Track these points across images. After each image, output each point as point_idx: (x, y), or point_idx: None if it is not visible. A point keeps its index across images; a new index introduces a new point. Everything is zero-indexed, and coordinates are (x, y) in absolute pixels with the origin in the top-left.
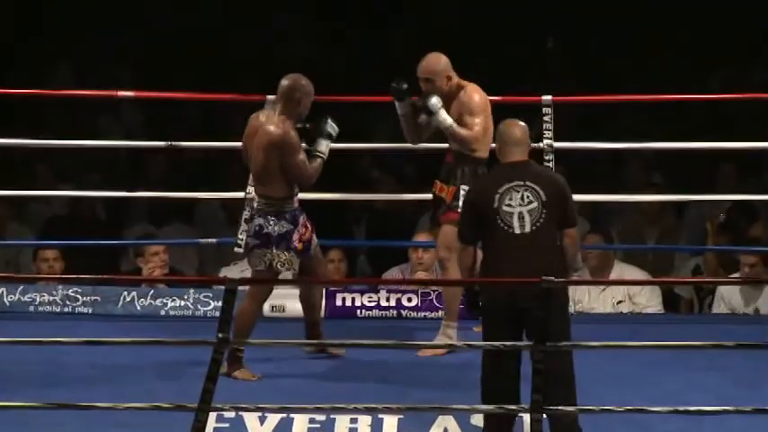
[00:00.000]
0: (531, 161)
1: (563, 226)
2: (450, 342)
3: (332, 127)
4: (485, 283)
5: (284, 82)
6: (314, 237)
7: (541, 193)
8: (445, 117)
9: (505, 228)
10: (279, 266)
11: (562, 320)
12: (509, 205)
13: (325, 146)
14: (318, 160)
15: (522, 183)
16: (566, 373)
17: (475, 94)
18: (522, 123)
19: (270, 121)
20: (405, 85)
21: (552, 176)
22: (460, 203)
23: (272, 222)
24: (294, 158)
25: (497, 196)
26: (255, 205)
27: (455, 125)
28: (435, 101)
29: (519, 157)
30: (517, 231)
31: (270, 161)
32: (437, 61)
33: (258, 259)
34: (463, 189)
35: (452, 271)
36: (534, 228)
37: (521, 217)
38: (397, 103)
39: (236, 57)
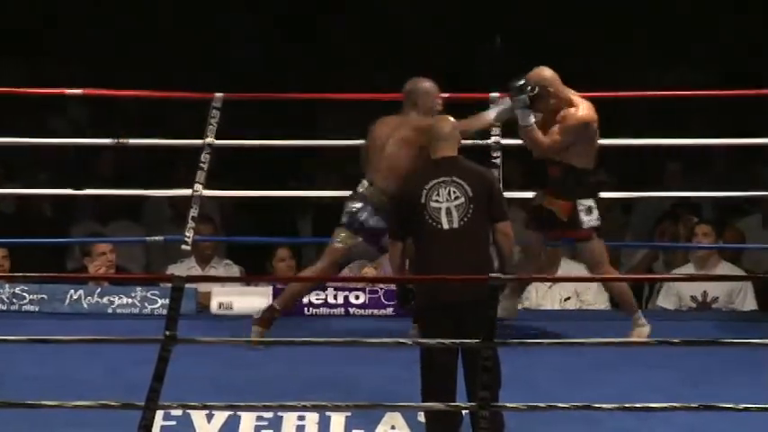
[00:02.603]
0: (459, 157)
1: (493, 221)
2: None
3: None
4: (421, 280)
5: (406, 86)
6: None
7: (468, 188)
8: (525, 116)
9: (433, 223)
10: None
11: (494, 315)
12: (436, 201)
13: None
14: (486, 118)
15: (448, 178)
16: (495, 369)
17: (579, 113)
18: (452, 119)
19: (414, 120)
20: (523, 83)
21: (480, 172)
22: (583, 218)
23: (367, 214)
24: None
25: (424, 192)
26: (363, 190)
27: (535, 128)
28: (526, 99)
29: (447, 153)
30: (445, 227)
31: (395, 149)
32: (540, 73)
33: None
34: (582, 204)
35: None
36: (462, 223)
37: (448, 212)
38: (511, 102)
39: (184, 56)
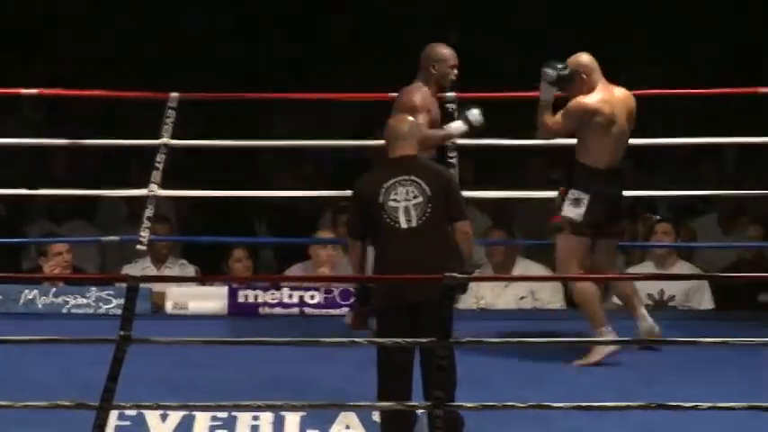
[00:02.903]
0: (417, 156)
1: (452, 220)
2: None
3: (473, 115)
4: (383, 279)
5: (424, 50)
6: None
7: (426, 187)
8: (547, 92)
9: (391, 223)
10: None
11: (450, 315)
12: (394, 200)
13: (455, 127)
14: (441, 133)
15: (407, 177)
16: (451, 368)
17: (584, 99)
18: (411, 118)
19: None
20: (560, 67)
21: (438, 171)
22: (565, 205)
23: None
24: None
25: (383, 191)
26: None
27: (548, 109)
28: (554, 75)
29: (406, 152)
30: (403, 226)
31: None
32: (577, 57)
33: None
34: (572, 194)
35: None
36: (420, 222)
37: (406, 211)
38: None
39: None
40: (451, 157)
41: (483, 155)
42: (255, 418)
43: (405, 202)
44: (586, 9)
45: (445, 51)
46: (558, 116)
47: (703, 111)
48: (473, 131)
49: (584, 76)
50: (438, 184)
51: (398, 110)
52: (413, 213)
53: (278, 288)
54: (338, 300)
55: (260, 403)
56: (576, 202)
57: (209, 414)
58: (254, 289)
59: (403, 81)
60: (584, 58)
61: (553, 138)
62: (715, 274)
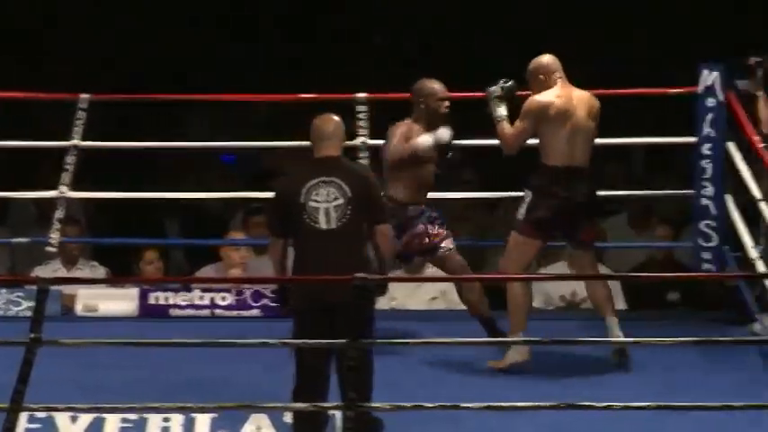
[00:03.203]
0: (341, 157)
1: (372, 223)
2: None
3: (444, 133)
4: (294, 280)
5: (414, 86)
6: (442, 241)
7: (347, 189)
8: (498, 109)
9: (311, 223)
10: None
11: (367, 317)
12: (315, 200)
13: (421, 140)
14: (418, 144)
15: (329, 178)
16: (366, 370)
17: (534, 96)
18: (337, 118)
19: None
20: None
21: (361, 173)
22: (522, 210)
23: None
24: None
25: (304, 191)
26: None
27: (504, 121)
28: (498, 90)
29: (330, 152)
30: (323, 227)
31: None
32: (536, 59)
33: None
34: (524, 193)
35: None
36: (340, 224)
37: (326, 213)
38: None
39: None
40: (362, 158)
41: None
42: (166, 419)
43: (325, 203)
44: (586, 9)
45: (433, 86)
46: (516, 122)
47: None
48: (442, 150)
49: (542, 76)
50: (360, 187)
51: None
52: (333, 215)
53: (189, 290)
54: (249, 301)
55: (170, 405)
56: (524, 200)
57: (119, 416)
58: (165, 291)
59: (403, 82)
60: (545, 59)
61: (519, 147)
62: (625, 274)
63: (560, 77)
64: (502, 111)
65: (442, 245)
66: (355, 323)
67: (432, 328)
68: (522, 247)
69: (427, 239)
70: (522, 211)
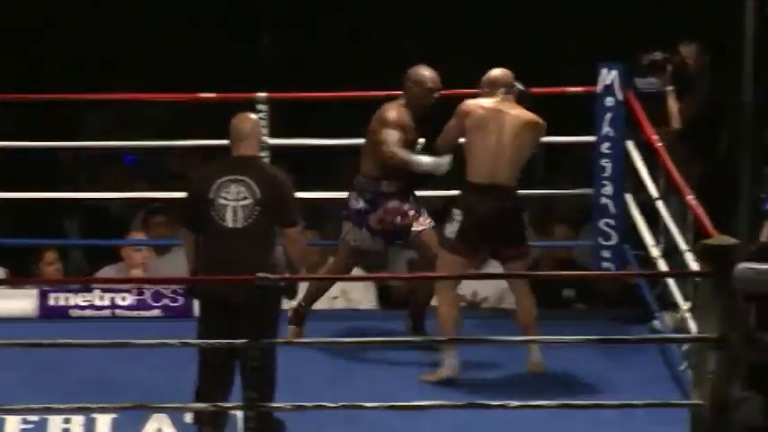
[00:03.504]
0: (256, 157)
1: (281, 225)
2: None
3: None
4: (197, 280)
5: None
6: (419, 225)
7: (257, 189)
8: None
9: (219, 220)
10: (352, 241)
11: (272, 317)
12: (224, 198)
13: (425, 162)
14: (412, 157)
15: (239, 177)
16: (268, 370)
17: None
18: (254, 117)
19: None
20: None
21: (273, 175)
22: (448, 227)
23: (353, 198)
24: (383, 133)
25: (214, 187)
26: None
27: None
28: None
29: (245, 152)
30: (229, 225)
31: (369, 136)
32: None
33: (342, 228)
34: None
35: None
36: (246, 224)
37: (234, 211)
38: None
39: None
40: (263, 158)
41: (296, 155)
42: (66, 420)
43: (234, 201)
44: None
45: (425, 73)
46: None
47: None
48: (434, 172)
49: (487, 89)
50: (270, 189)
51: (373, 122)
52: (240, 214)
53: (89, 290)
54: (150, 301)
55: (71, 406)
56: (451, 218)
57: (19, 417)
58: (65, 291)
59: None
60: (494, 73)
61: (448, 144)
62: (528, 273)
63: (503, 93)
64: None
65: (418, 227)
66: (258, 324)
67: (333, 327)
68: (449, 265)
69: (400, 218)
70: (448, 229)
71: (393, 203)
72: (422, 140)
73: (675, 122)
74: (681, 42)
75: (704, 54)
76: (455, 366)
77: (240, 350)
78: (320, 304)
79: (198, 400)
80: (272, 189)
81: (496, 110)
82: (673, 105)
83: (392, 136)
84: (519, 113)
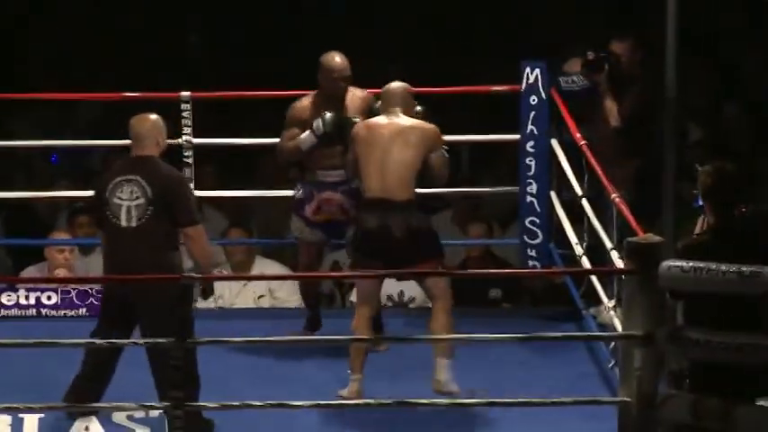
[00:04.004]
0: (153, 157)
1: (177, 225)
2: None
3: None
4: (92, 280)
5: None
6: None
7: (149, 189)
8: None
9: (114, 220)
10: (294, 231)
11: (178, 316)
12: (119, 198)
13: (303, 138)
14: (292, 144)
15: (132, 177)
16: (185, 368)
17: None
18: (153, 118)
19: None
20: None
21: (166, 175)
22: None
23: (295, 189)
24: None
25: (110, 188)
26: None
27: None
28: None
29: (142, 152)
30: (124, 224)
31: None
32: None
33: None
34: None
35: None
36: (140, 223)
37: (128, 211)
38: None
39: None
40: (187, 157)
41: (221, 154)
42: None
43: (128, 201)
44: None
45: (331, 62)
46: None
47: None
48: (326, 138)
49: (381, 103)
50: (161, 189)
51: None
52: (133, 213)
53: (14, 289)
54: (75, 300)
55: None
56: (353, 232)
57: None
58: None
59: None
60: (389, 87)
61: (353, 173)
62: (454, 272)
63: (393, 108)
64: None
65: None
66: (158, 322)
67: (259, 326)
68: (357, 286)
69: (336, 210)
70: (350, 243)
71: (327, 194)
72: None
73: (614, 121)
74: (613, 39)
75: (638, 49)
76: (356, 390)
77: (146, 350)
78: (247, 302)
79: (74, 384)
80: (164, 189)
81: (380, 125)
82: (610, 104)
83: (282, 137)
84: (404, 124)
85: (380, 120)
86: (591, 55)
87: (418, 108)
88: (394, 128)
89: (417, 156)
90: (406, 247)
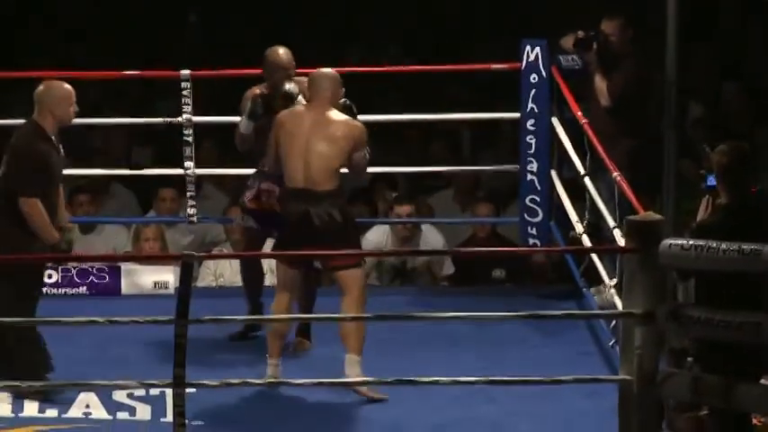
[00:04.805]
0: (27, 123)
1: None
2: None
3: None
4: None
5: None
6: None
7: (5, 156)
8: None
9: None
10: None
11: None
12: None
13: (241, 123)
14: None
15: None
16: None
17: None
18: (55, 85)
19: None
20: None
21: (13, 144)
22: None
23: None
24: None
25: None
26: None
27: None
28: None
29: (33, 117)
30: None
31: None
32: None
33: None
34: None
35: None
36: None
37: None
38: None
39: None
40: (187, 135)
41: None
42: None
43: None
44: None
45: (273, 56)
46: None
47: (438, 88)
48: (256, 116)
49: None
50: (7, 157)
51: None
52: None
53: None
54: (76, 279)
55: None
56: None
57: None
58: None
59: None
60: (314, 75)
61: (274, 162)
62: (455, 249)
63: (320, 98)
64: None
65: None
66: None
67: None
68: (277, 272)
69: (277, 204)
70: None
71: (266, 184)
72: None
73: (604, 100)
74: (603, 17)
75: (628, 28)
76: (274, 374)
77: None
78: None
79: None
80: (8, 158)
81: (305, 115)
82: (600, 82)
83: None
84: (331, 118)
85: (306, 109)
86: (580, 34)
87: (345, 101)
88: (319, 119)
89: (340, 151)
90: (325, 236)
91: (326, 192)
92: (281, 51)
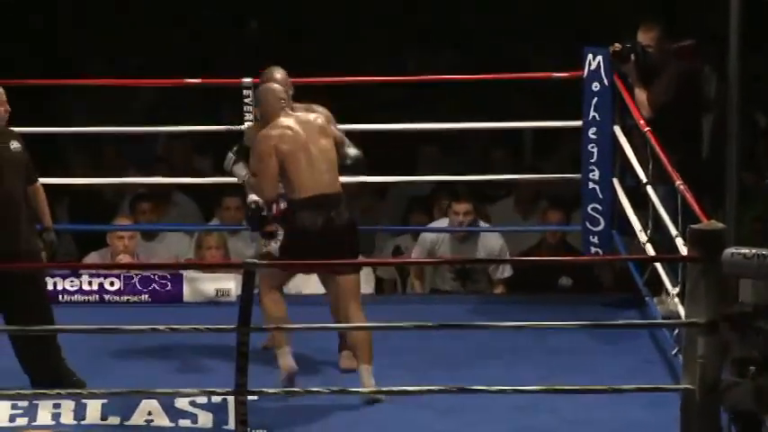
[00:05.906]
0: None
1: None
2: None
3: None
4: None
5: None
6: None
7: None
8: (240, 172)
9: None
10: None
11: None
12: None
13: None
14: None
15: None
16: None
17: (260, 136)
18: None
19: None
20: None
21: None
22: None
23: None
24: None
25: None
26: None
27: (250, 177)
28: (231, 158)
29: None
30: None
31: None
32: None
33: None
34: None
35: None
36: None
37: None
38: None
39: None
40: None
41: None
42: (56, 405)
43: None
44: None
45: (270, 79)
46: (255, 167)
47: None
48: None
49: (270, 104)
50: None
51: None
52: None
53: (77, 275)
54: (138, 286)
55: (60, 391)
56: (275, 236)
57: (8, 402)
58: (54, 276)
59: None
60: (268, 87)
61: (275, 188)
62: (517, 258)
63: (288, 104)
64: (242, 171)
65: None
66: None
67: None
68: (270, 278)
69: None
70: (272, 246)
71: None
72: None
73: (645, 111)
74: (640, 27)
75: (665, 39)
76: (290, 364)
77: None
78: (319, 289)
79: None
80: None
81: (292, 126)
82: (640, 94)
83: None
84: (310, 117)
85: (287, 121)
86: (617, 46)
87: (358, 153)
88: (306, 124)
89: (332, 141)
90: (346, 238)
91: (338, 193)
92: (274, 76)
